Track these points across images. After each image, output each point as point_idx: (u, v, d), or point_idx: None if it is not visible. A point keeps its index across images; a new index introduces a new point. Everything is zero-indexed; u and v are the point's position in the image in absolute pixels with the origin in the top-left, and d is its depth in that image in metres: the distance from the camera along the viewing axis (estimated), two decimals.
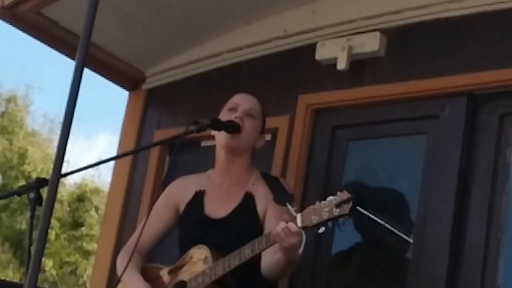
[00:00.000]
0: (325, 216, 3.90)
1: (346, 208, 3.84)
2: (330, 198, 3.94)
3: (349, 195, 3.87)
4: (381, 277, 4.90)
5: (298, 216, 3.97)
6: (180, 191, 4.66)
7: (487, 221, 4.37)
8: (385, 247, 5.00)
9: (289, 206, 4.09)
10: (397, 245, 4.88)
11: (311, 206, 3.98)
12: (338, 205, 3.87)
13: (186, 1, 5.31)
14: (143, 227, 4.40)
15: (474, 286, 4.31)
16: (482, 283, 4.29)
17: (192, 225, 4.51)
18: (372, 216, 4.86)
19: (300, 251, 4.06)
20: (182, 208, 4.58)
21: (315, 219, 3.92)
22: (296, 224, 3.94)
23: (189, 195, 4.57)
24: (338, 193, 3.91)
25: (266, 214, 4.37)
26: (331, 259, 4.93)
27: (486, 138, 4.53)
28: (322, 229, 3.96)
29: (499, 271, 4.32)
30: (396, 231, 4.83)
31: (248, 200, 4.45)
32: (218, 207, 4.46)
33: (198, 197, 4.54)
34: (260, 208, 4.39)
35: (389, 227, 4.87)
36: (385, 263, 4.92)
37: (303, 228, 3.93)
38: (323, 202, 3.94)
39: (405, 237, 4.76)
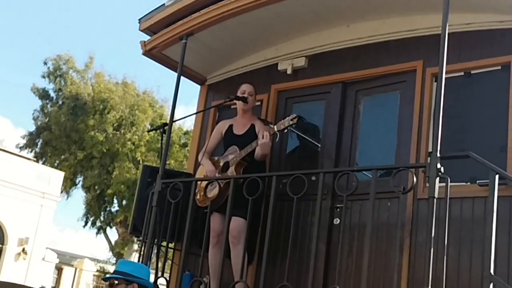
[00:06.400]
0: (287, 124, 4.13)
1: (295, 120, 4.12)
2: (287, 117, 4.18)
3: (296, 115, 4.15)
4: (306, 159, 4.97)
5: (275, 126, 4.20)
6: (223, 125, 4.75)
7: (351, 136, 4.60)
8: (309, 147, 5.00)
9: (270, 125, 4.33)
10: (314, 147, 4.90)
11: (280, 121, 4.21)
12: (291, 120, 4.11)
13: (223, 44, 5.21)
14: (208, 142, 4.75)
15: (346, 161, 4.53)
16: (349, 161, 4.53)
17: (229, 138, 4.62)
18: (303, 135, 4.99)
19: (269, 147, 4.31)
20: (223, 132, 4.69)
21: (283, 126, 4.14)
22: (273, 133, 4.19)
23: (226, 126, 4.69)
24: (291, 115, 4.19)
25: (259, 132, 4.42)
26: (286, 154, 5.00)
27: (350, 101, 4.69)
28: (285, 130, 4.19)
29: (356, 156, 4.57)
30: (314, 142, 4.94)
31: (252, 126, 4.56)
32: (239, 130, 4.59)
33: (230, 127, 4.66)
34: (257, 130, 4.48)
35: (310, 139, 4.99)
36: (309, 154, 4.96)
37: (278, 131, 4.16)
38: (285, 119, 4.20)
39: (317, 144, 4.85)
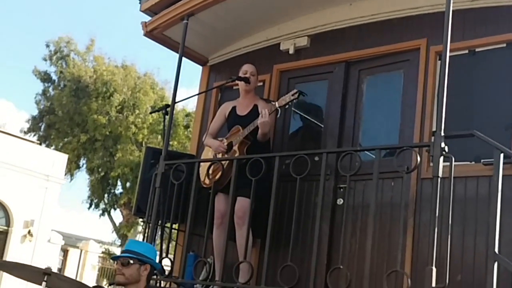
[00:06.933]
0: (288, 99, 4.11)
1: (296, 95, 4.09)
2: (289, 93, 4.16)
3: (297, 90, 4.12)
4: (309, 139, 4.96)
5: (276, 103, 4.17)
6: (226, 107, 4.73)
7: (354, 116, 4.56)
8: (311, 128, 5.00)
9: (272, 102, 4.31)
10: (317, 127, 4.89)
11: (281, 97, 4.19)
12: (292, 95, 4.09)
13: (224, 24, 5.16)
14: (211, 123, 4.74)
15: (349, 141, 4.50)
16: (352, 141, 4.50)
17: (232, 119, 4.59)
18: (305, 115, 5.01)
19: (269, 127, 4.26)
20: (227, 114, 4.66)
21: (284, 101, 4.12)
22: (275, 109, 4.15)
23: (229, 108, 4.66)
24: (292, 91, 4.16)
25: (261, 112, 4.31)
26: (289, 134, 4.98)
27: (353, 80, 4.65)
28: (287, 106, 4.16)
29: (360, 136, 4.53)
30: (316, 122, 4.94)
31: (255, 107, 4.51)
32: (242, 111, 4.56)
33: (234, 108, 4.62)
34: (260, 110, 4.35)
35: (313, 120, 4.99)
36: (312, 134, 4.94)
37: (279, 107, 4.13)
38: (286, 94, 4.18)
39: (320, 124, 4.83)
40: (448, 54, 3.25)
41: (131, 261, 3.07)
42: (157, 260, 3.51)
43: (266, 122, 4.19)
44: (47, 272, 2.98)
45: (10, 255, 17.95)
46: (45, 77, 23.30)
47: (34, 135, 23.15)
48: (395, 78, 4.48)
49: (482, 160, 3.68)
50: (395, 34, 4.47)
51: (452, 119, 3.48)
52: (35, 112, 23.37)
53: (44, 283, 2.97)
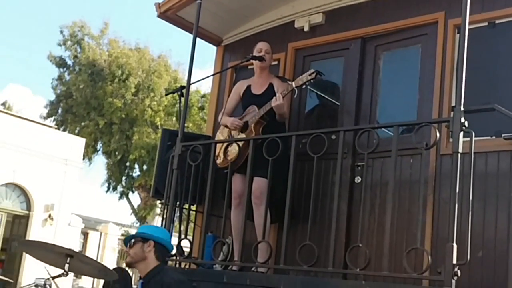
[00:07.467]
0: (305, 79, 4.11)
1: (313, 75, 4.09)
2: (306, 73, 4.15)
3: (314, 70, 4.11)
4: (326, 118, 4.95)
5: (293, 83, 4.17)
6: (241, 86, 4.71)
7: (371, 93, 4.52)
8: (328, 106, 4.97)
9: (288, 82, 4.34)
10: (333, 105, 4.87)
11: (298, 77, 4.18)
12: (310, 75, 4.09)
13: (238, 3, 5.19)
14: (226, 103, 4.72)
15: (366, 118, 4.47)
16: (369, 118, 4.47)
17: (247, 98, 4.59)
18: (322, 94, 4.97)
19: (285, 109, 4.32)
20: (241, 92, 4.65)
21: (301, 81, 4.13)
22: (291, 89, 4.17)
23: (244, 86, 4.65)
24: (310, 70, 4.14)
25: (278, 91, 4.35)
26: (306, 112, 4.97)
27: (369, 57, 4.61)
28: (304, 86, 4.17)
29: (377, 113, 4.49)
30: (333, 100, 4.92)
31: (270, 86, 4.51)
32: (258, 90, 4.55)
33: (249, 87, 4.62)
34: (276, 88, 4.41)
35: (329, 98, 4.97)
36: (328, 112, 4.93)
37: (296, 87, 4.14)
38: (303, 74, 4.18)
39: (336, 102, 4.82)
40: (467, 27, 3.18)
41: (133, 240, 3.24)
42: (176, 242, 3.56)
43: (281, 104, 4.19)
44: (70, 253, 3.03)
45: (33, 239, 18.27)
46: (60, 62, 23.42)
47: (53, 120, 23.37)
48: (413, 53, 4.43)
49: (503, 135, 3.64)
50: (412, 8, 4.41)
51: (472, 93, 3.40)
52: (52, 97, 23.59)
53: (67, 265, 3.02)
